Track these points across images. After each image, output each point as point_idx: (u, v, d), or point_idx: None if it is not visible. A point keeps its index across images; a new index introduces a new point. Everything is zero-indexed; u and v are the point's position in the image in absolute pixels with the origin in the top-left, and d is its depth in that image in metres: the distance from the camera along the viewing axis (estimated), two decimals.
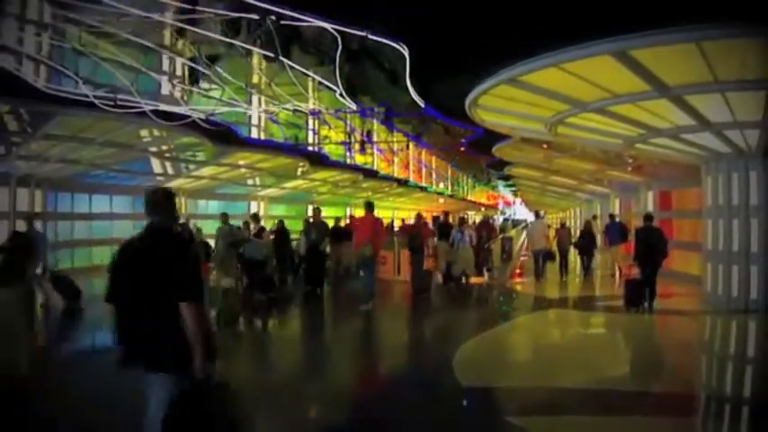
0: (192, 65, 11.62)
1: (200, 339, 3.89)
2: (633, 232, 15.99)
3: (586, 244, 20.24)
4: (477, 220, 31.34)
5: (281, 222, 18.63)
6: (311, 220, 16.59)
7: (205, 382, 3.94)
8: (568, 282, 19.27)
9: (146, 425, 4.03)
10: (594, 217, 25.84)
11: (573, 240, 21.22)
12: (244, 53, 14.99)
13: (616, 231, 19.46)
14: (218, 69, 12.35)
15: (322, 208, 17.33)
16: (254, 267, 15.04)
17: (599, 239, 20.96)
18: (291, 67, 13.24)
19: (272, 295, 14.94)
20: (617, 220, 20.58)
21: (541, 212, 25.23)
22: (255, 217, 15.22)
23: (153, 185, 22.29)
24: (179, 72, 19.51)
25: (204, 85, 20.67)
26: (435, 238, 17.49)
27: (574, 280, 19.73)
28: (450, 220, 20.44)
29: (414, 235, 16.50)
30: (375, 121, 35.86)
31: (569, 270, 20.21)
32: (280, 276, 17.57)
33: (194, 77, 12.46)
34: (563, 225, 22.59)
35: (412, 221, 18.63)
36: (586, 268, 20.35)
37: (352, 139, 30.58)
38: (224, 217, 15.92)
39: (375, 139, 35.55)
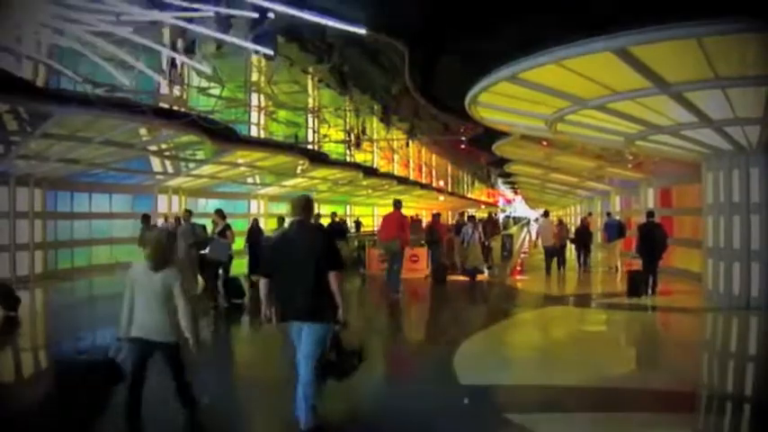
0: (171, 52, 11.35)
1: (342, 297, 5.74)
2: (635, 228, 16.35)
3: (583, 240, 20.85)
4: (478, 218, 31.75)
5: (254, 221, 18.35)
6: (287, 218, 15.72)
7: (343, 326, 5.86)
8: (569, 278, 19.37)
9: (305, 361, 5.63)
10: (590, 214, 26.47)
11: (570, 237, 21.95)
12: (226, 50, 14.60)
13: (614, 228, 20.19)
14: (198, 64, 12.11)
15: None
16: (218, 270, 13.51)
17: (599, 236, 21.30)
18: (291, 65, 13.17)
19: (240, 302, 13.65)
20: (614, 217, 21.56)
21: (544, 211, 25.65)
22: (220, 213, 13.95)
23: (153, 183, 22.31)
24: (178, 71, 19.51)
25: (204, 83, 20.66)
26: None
27: (574, 276, 19.79)
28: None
29: (432, 231, 18.90)
30: (375, 119, 35.83)
31: (567, 267, 20.56)
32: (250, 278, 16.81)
33: (171, 64, 12.09)
34: (560, 222, 23.14)
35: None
36: (583, 264, 20.84)
37: (352, 138, 30.58)
38: (185, 214, 14.88)
39: (370, 134, 35.43)
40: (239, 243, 17.88)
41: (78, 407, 5.14)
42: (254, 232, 18.32)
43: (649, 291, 14.28)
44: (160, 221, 17.72)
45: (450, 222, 36.05)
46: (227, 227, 13.58)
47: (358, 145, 31.46)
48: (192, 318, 5.57)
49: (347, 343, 6.05)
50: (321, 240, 5.87)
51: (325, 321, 5.70)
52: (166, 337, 5.50)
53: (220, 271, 13.62)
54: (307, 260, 5.68)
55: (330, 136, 31.04)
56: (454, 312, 14.25)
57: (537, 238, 21.36)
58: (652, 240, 14.35)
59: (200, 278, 13.92)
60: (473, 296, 16.68)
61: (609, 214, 22.44)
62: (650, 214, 15.30)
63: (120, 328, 5.57)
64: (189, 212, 14.85)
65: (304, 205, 5.98)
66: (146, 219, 16.40)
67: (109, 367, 5.54)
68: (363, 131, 31.83)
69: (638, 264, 14.96)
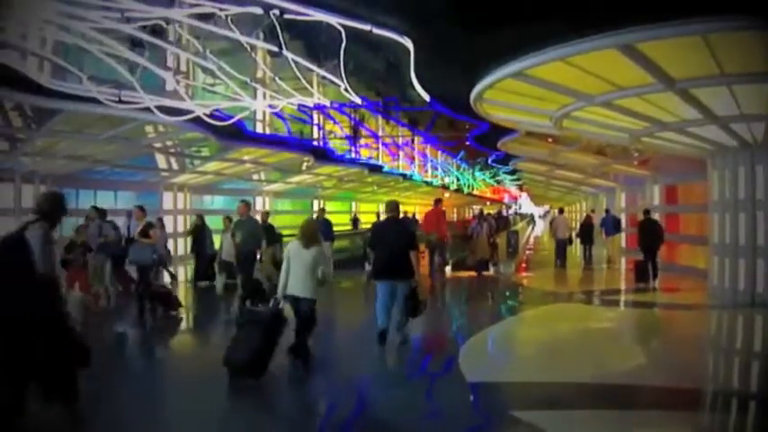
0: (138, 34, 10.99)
1: (417, 266, 9.08)
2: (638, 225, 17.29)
3: (587, 234, 22.90)
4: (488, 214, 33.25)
5: (200, 218, 17.05)
6: (236, 217, 13.46)
7: (417, 284, 9.13)
8: (574, 275, 19.66)
9: (389, 311, 9.09)
10: (593, 211, 28.57)
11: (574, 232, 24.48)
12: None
13: (611, 223, 22.42)
14: (160, 42, 11.82)
15: (249, 201, 14.50)
16: (140, 276, 11.66)
17: (602, 233, 23.23)
18: (296, 63, 13.11)
19: (174, 313, 12.26)
20: (611, 213, 23.65)
21: (555, 209, 28.55)
22: (141, 209, 12.28)
23: (158, 180, 22.36)
24: (183, 68, 19.50)
25: (209, 80, 20.63)
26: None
27: (578, 272, 20.18)
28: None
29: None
30: (379, 116, 35.73)
31: (570, 261, 22.04)
32: (195, 284, 16.16)
33: (135, 43, 11.59)
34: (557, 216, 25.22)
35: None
36: (588, 257, 22.48)
37: (356, 132, 30.63)
38: (93, 213, 13.03)
39: (368, 126, 35.27)
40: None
41: (267, 339, 7.49)
42: (200, 231, 16.69)
43: (652, 279, 15.78)
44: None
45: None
46: (150, 225, 11.97)
47: (356, 138, 31.45)
48: (327, 277, 8.39)
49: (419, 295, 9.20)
50: (407, 230, 9.60)
51: (408, 280, 8.98)
52: (309, 294, 7.89)
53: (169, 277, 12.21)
54: (398, 243, 9.03)
55: (336, 132, 31.02)
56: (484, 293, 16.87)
57: (553, 231, 23.44)
58: (651, 235, 15.96)
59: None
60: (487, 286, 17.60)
61: (607, 211, 24.49)
62: (647, 212, 17.02)
63: (280, 288, 7.94)
64: (97, 210, 13.15)
65: (395, 207, 9.59)
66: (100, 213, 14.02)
67: (278, 315, 7.74)
68: (361, 121, 31.82)
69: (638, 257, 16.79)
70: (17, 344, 4.51)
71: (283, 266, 8.04)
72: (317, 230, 8.38)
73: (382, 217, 12.01)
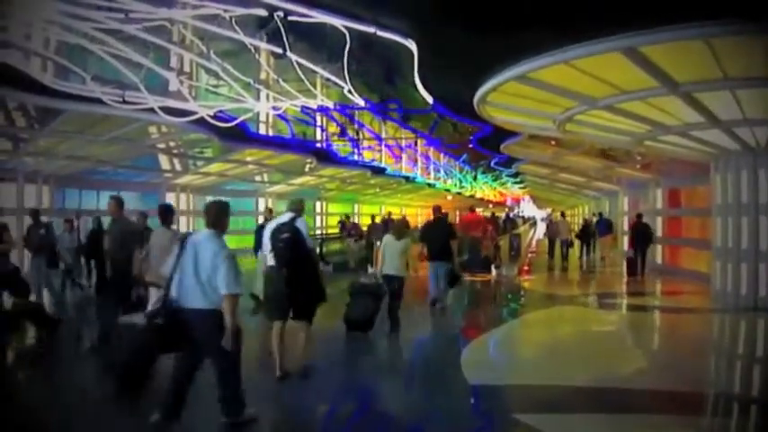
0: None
1: (457, 251, 12.65)
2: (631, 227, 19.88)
3: (586, 236, 25.45)
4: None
5: (96, 221, 15.20)
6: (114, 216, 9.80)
7: (455, 265, 12.54)
8: (574, 278, 20.20)
9: (437, 283, 12.45)
10: (593, 214, 30.70)
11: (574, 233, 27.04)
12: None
13: (604, 225, 24.72)
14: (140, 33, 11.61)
15: (121, 197, 9.76)
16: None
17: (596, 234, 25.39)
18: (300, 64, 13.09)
19: (44, 333, 9.77)
20: (604, 216, 26.45)
21: (558, 212, 31.50)
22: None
23: (161, 180, 22.39)
24: (187, 68, 19.50)
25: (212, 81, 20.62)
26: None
27: (577, 275, 20.88)
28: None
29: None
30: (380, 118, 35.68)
31: (570, 264, 23.57)
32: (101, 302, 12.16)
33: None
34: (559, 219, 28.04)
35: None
36: (586, 255, 25.15)
37: (359, 134, 30.63)
38: None
39: (362, 122, 35.16)
40: None
41: (375, 304, 10.06)
42: (98, 237, 13.80)
43: (640, 274, 18.36)
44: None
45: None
46: (4, 228, 9.68)
47: (343, 134, 31.48)
48: (410, 263, 11.03)
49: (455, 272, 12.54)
50: (448, 227, 12.92)
51: (449, 261, 12.26)
52: (399, 273, 10.38)
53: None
54: (442, 235, 12.37)
55: (338, 133, 31.01)
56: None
57: (553, 233, 26.09)
58: (642, 235, 18.58)
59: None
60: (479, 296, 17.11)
61: (600, 214, 27.49)
62: (639, 216, 19.28)
63: (378, 270, 10.46)
64: None
65: (439, 210, 13.17)
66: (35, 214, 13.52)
67: (381, 287, 10.19)
68: (353, 117, 31.88)
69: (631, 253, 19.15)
70: (299, 285, 7.20)
71: (379, 254, 10.65)
72: (406, 227, 11.69)
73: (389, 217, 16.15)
